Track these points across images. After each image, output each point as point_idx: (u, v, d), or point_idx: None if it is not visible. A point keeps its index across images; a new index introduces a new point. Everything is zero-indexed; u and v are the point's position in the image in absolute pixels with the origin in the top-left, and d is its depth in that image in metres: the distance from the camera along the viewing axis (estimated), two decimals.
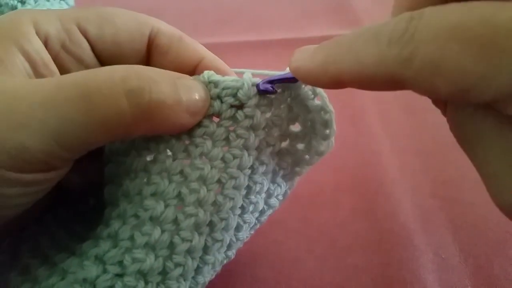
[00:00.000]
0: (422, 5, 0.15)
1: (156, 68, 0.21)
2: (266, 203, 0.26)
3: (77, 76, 0.19)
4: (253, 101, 0.22)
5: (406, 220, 0.34)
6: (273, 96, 0.23)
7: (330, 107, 0.24)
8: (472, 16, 0.13)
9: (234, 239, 0.25)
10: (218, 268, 0.25)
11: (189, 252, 0.22)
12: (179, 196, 0.22)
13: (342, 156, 0.39)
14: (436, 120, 0.19)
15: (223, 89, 0.22)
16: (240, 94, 0.22)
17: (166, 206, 0.21)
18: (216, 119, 0.23)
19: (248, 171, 0.23)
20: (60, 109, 0.18)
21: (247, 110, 0.22)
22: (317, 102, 0.24)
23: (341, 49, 0.17)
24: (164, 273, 0.21)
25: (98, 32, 0.24)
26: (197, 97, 0.21)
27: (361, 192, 0.37)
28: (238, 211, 0.24)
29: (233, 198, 0.22)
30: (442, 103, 0.19)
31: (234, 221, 0.23)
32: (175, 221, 0.21)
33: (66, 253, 0.22)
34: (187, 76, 0.22)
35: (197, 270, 0.23)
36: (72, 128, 0.18)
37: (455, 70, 0.13)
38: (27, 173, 0.19)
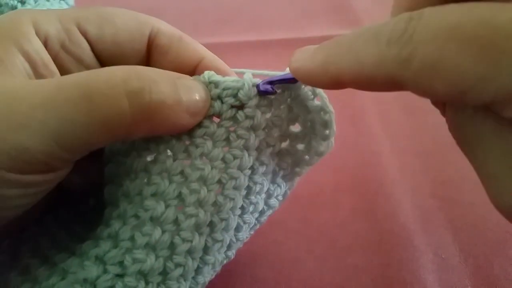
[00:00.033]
0: (421, 5, 0.15)
1: (156, 69, 0.21)
2: (266, 203, 0.26)
3: (78, 77, 0.19)
4: (254, 101, 0.22)
5: (406, 220, 0.34)
6: (272, 96, 0.23)
7: (330, 107, 0.24)
8: (472, 17, 0.13)
9: (234, 239, 0.25)
10: (218, 268, 0.25)
11: (189, 252, 0.22)
12: (179, 196, 0.22)
13: (342, 156, 0.39)
14: (436, 120, 0.19)
15: (224, 89, 0.22)
16: (241, 94, 0.22)
17: (167, 206, 0.21)
18: (216, 120, 0.23)
19: (248, 172, 0.23)
20: (60, 109, 0.18)
21: (247, 110, 0.22)
22: (317, 102, 0.24)
23: (341, 50, 0.17)
24: (164, 273, 0.21)
25: (98, 32, 0.23)
26: (197, 98, 0.21)
27: (361, 193, 0.37)
28: (238, 212, 0.24)
29: (233, 199, 0.22)
30: (441, 103, 0.19)
31: (234, 221, 0.23)
32: (176, 221, 0.21)
33: (66, 253, 0.22)
34: (187, 76, 0.22)
35: (197, 270, 0.23)
36: (72, 129, 0.18)
37: (454, 71, 0.13)
38: (27, 174, 0.19)
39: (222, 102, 0.22)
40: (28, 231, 0.25)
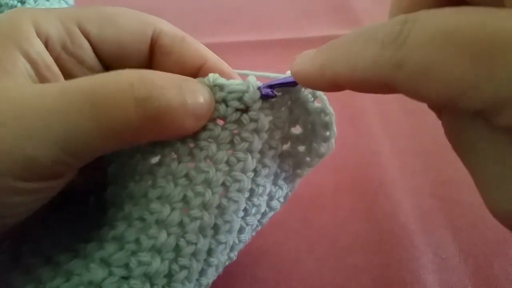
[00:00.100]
0: (418, 7, 0.15)
1: (161, 73, 0.21)
2: (267, 205, 0.26)
3: (84, 83, 0.19)
4: (258, 104, 0.22)
5: (406, 220, 0.34)
6: (274, 99, 0.23)
7: (330, 109, 0.25)
8: (465, 23, 0.13)
9: (236, 241, 0.25)
10: (221, 270, 0.26)
11: (194, 255, 0.22)
12: (184, 199, 0.22)
13: (342, 157, 0.39)
14: (436, 121, 0.19)
15: (229, 92, 0.22)
16: (246, 97, 0.22)
17: (172, 209, 0.21)
18: (220, 122, 0.23)
19: (251, 174, 0.23)
20: (67, 117, 0.18)
21: (252, 113, 0.22)
22: (317, 104, 0.25)
23: (337, 53, 0.17)
24: (169, 275, 0.21)
25: (100, 32, 0.23)
26: (202, 101, 0.21)
27: (361, 193, 0.37)
28: (241, 214, 0.24)
29: (237, 201, 0.23)
30: (437, 107, 0.19)
31: (237, 223, 0.24)
32: (181, 224, 0.21)
33: (68, 253, 0.23)
34: (192, 79, 0.22)
35: (201, 272, 0.23)
36: (79, 137, 0.18)
37: (446, 77, 0.13)
38: (34, 182, 0.18)
39: (227, 105, 0.22)
40: (28, 230, 0.25)
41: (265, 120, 0.23)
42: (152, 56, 0.25)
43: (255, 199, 0.24)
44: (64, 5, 0.55)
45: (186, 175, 0.22)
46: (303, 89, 0.24)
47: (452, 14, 0.13)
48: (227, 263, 0.26)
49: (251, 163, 0.23)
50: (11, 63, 0.19)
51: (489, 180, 0.15)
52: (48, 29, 0.21)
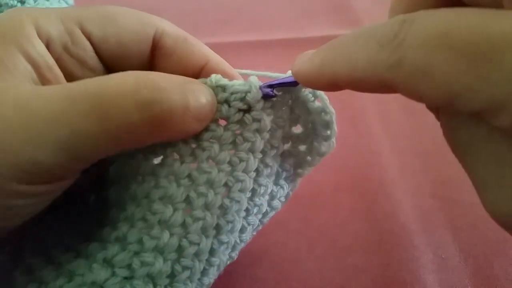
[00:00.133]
0: (419, 7, 0.15)
1: (165, 74, 0.21)
2: (269, 205, 0.27)
3: (87, 86, 0.19)
4: (260, 104, 0.23)
5: (406, 220, 0.34)
6: (274, 98, 0.23)
7: (331, 108, 0.25)
8: (462, 24, 0.13)
9: (238, 240, 0.25)
10: (222, 269, 0.26)
11: (196, 255, 0.22)
12: (187, 199, 0.22)
13: (342, 156, 0.39)
14: (436, 121, 0.19)
15: (232, 93, 0.22)
16: (249, 97, 0.22)
17: (175, 210, 0.21)
18: (222, 122, 0.23)
19: (253, 174, 0.23)
20: (71, 122, 0.18)
21: (254, 113, 0.22)
22: (317, 104, 0.25)
23: (336, 52, 0.17)
24: (172, 276, 0.21)
25: (101, 33, 0.23)
26: (205, 103, 0.21)
27: (361, 193, 0.37)
28: (243, 214, 0.24)
29: (239, 201, 0.23)
30: (435, 108, 0.19)
31: (239, 223, 0.24)
32: (183, 224, 0.21)
33: (69, 253, 0.23)
34: (195, 81, 0.22)
35: (203, 272, 0.23)
36: (84, 141, 0.18)
37: (442, 78, 0.13)
38: (38, 185, 0.19)
39: (229, 106, 0.22)
40: (29, 229, 0.25)
41: (267, 120, 0.23)
42: (154, 56, 0.25)
43: (256, 199, 0.25)
44: (64, 5, 0.55)
45: (189, 176, 0.22)
46: (303, 89, 0.24)
47: (449, 15, 0.13)
48: (228, 262, 0.26)
49: (253, 163, 0.23)
50: (13, 65, 0.19)
51: (487, 181, 0.15)
52: (49, 29, 0.21)
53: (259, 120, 0.22)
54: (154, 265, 0.21)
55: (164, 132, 0.20)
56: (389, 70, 0.14)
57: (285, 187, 0.27)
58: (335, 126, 0.25)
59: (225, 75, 0.23)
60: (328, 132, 0.25)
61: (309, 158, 0.27)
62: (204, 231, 0.22)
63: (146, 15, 0.25)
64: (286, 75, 0.23)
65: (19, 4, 0.52)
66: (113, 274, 0.20)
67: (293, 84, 0.22)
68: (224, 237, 0.23)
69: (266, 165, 0.24)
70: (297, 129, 0.26)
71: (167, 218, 0.21)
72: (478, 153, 0.15)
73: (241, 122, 0.22)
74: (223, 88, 0.22)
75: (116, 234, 0.22)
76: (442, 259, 0.32)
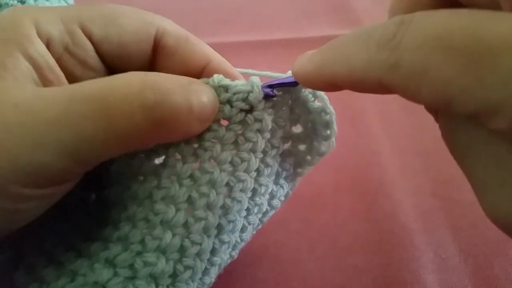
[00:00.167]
0: (418, 7, 0.15)
1: (168, 75, 0.21)
2: (269, 204, 0.27)
3: (91, 88, 0.19)
4: (262, 104, 0.23)
5: (406, 220, 0.34)
6: (275, 98, 0.23)
7: (331, 108, 0.25)
8: (459, 26, 0.13)
9: (239, 239, 0.25)
10: (222, 268, 0.26)
11: (198, 255, 0.22)
12: (189, 200, 0.22)
13: (343, 156, 0.39)
14: None
15: (234, 94, 0.22)
16: (251, 97, 0.22)
17: (177, 210, 0.21)
18: (224, 122, 0.23)
19: (254, 174, 0.23)
20: (75, 124, 0.18)
21: (256, 113, 0.22)
22: (317, 103, 0.25)
23: (335, 53, 0.17)
24: (174, 275, 0.21)
25: (103, 33, 0.23)
26: (207, 104, 0.21)
27: (361, 193, 0.37)
28: (244, 213, 0.24)
29: (240, 201, 0.23)
30: (434, 110, 0.19)
31: (240, 223, 0.24)
32: (185, 224, 0.21)
33: (70, 252, 0.23)
34: (197, 81, 0.22)
35: (204, 271, 0.23)
36: (88, 144, 0.18)
37: (438, 80, 0.13)
38: (41, 188, 0.18)
39: (231, 106, 0.22)
40: (29, 229, 0.25)
41: (268, 120, 0.23)
42: (155, 56, 0.25)
43: (257, 199, 0.25)
44: (64, 4, 0.55)
45: (191, 176, 0.22)
46: (303, 89, 0.24)
47: (447, 17, 0.13)
48: (228, 261, 0.26)
49: (254, 162, 0.23)
50: (13, 65, 0.19)
51: (486, 183, 0.15)
52: (50, 29, 0.21)
53: (260, 120, 0.23)
54: (156, 265, 0.21)
55: (168, 133, 0.20)
56: (387, 70, 0.14)
57: (284, 187, 0.27)
58: (335, 126, 0.25)
59: (227, 75, 0.23)
60: (328, 132, 0.25)
61: (308, 157, 0.27)
62: (206, 231, 0.22)
63: (147, 14, 0.25)
64: (287, 75, 0.23)
65: (19, 4, 0.52)
66: (116, 274, 0.20)
67: (293, 84, 0.23)
68: (225, 237, 0.23)
69: (267, 165, 0.25)
70: (297, 129, 0.26)
71: (169, 219, 0.21)
72: (477, 155, 0.15)
73: (243, 122, 0.22)
74: (226, 88, 0.22)
75: (118, 234, 0.22)
76: (442, 259, 0.32)
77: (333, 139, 0.26)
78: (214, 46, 0.26)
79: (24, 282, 0.22)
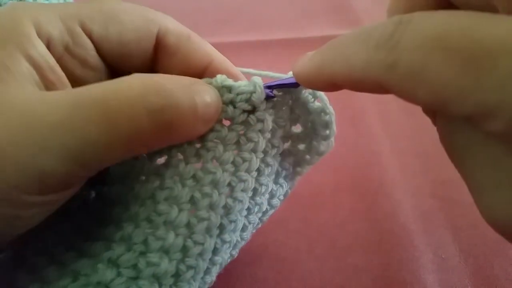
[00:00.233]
0: (418, 7, 0.15)
1: (171, 76, 0.20)
2: (269, 203, 0.27)
3: (94, 92, 0.18)
4: (263, 105, 0.23)
5: (406, 220, 0.34)
6: (275, 98, 0.23)
7: (331, 108, 0.25)
8: (457, 28, 0.13)
9: (239, 239, 0.25)
10: (223, 267, 0.26)
11: (200, 254, 0.22)
12: (192, 200, 0.22)
13: (342, 156, 0.39)
14: None
15: (238, 94, 0.22)
16: (254, 98, 0.22)
17: (180, 210, 0.21)
18: (226, 122, 0.23)
19: (255, 174, 0.24)
20: (78, 128, 0.17)
21: (258, 114, 0.23)
22: (317, 104, 0.25)
23: (334, 53, 0.17)
24: (177, 275, 0.22)
25: (103, 32, 0.22)
26: (211, 105, 0.21)
27: (361, 193, 0.37)
28: (245, 213, 0.24)
29: (241, 201, 0.23)
30: (432, 113, 0.19)
31: (241, 222, 0.24)
32: (188, 225, 0.21)
33: (72, 252, 0.23)
34: (200, 81, 0.22)
35: (206, 271, 0.23)
36: (92, 149, 0.18)
37: (436, 81, 0.13)
38: (45, 195, 0.18)
39: (234, 107, 0.22)
40: (30, 229, 0.25)
41: (269, 120, 0.23)
42: (157, 55, 0.25)
43: (258, 198, 0.25)
44: (63, 1, 0.55)
45: (194, 176, 0.22)
46: (303, 91, 0.24)
47: (445, 18, 0.13)
48: (229, 260, 0.26)
49: (256, 162, 0.23)
50: (16, 68, 0.19)
51: (483, 185, 0.15)
52: (50, 29, 0.21)
53: (262, 121, 0.23)
54: (160, 265, 0.21)
55: (173, 136, 0.20)
56: (385, 71, 0.14)
57: (284, 186, 0.27)
58: (334, 126, 0.25)
59: (229, 75, 0.23)
60: (327, 131, 0.25)
61: (308, 157, 0.27)
62: (208, 231, 0.22)
63: (149, 10, 0.24)
64: (287, 75, 0.23)
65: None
66: (119, 274, 0.21)
67: (294, 85, 0.23)
68: (227, 236, 0.23)
69: (267, 165, 0.25)
70: (297, 129, 0.26)
71: (172, 219, 0.21)
72: (474, 157, 0.15)
73: (245, 123, 0.22)
74: (229, 89, 0.22)
75: (121, 234, 0.22)
76: (442, 259, 0.32)
77: (332, 139, 0.26)
78: (214, 46, 0.26)
79: (24, 281, 0.22)
